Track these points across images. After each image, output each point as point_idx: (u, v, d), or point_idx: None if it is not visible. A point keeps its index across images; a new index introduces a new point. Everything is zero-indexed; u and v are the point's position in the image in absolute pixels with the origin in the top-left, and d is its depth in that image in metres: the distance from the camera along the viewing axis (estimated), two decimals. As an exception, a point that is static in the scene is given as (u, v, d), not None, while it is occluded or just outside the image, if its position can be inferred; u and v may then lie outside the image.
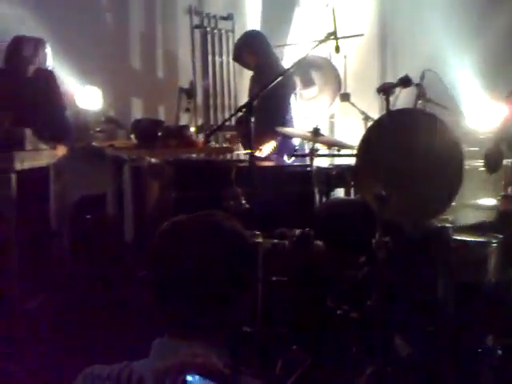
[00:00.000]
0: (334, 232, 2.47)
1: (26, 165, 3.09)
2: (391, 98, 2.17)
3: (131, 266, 3.56)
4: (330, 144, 3.30)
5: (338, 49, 2.66)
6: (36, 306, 3.03)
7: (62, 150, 3.58)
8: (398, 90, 2.27)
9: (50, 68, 3.76)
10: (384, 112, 2.31)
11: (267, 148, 3.65)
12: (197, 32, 4.73)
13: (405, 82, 2.20)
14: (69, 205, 3.90)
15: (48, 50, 3.74)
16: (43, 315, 2.93)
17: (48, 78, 3.71)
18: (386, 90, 2.13)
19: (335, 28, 2.67)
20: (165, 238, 1.09)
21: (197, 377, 0.90)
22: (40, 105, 3.61)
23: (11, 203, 3.02)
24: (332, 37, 2.80)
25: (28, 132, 3.15)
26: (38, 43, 3.68)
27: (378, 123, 2.40)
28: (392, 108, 2.39)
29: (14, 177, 3.02)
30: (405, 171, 2.23)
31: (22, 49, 3.61)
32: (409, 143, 2.25)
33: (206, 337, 1.05)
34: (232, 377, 0.96)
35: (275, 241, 2.42)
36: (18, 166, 3.01)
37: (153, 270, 1.09)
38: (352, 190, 3.26)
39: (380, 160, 2.22)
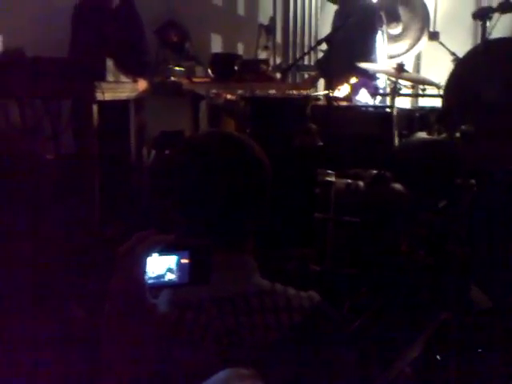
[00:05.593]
0: (413, 174, 2.33)
1: (108, 96, 3.08)
2: (488, 26, 1.96)
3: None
4: (415, 81, 3.10)
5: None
6: (113, 233, 3.15)
7: (142, 84, 3.60)
8: (495, 18, 2.05)
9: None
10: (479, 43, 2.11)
11: (347, 87, 3.50)
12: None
13: (505, 7, 1.98)
14: (148, 139, 3.97)
15: None
16: (120, 242, 3.04)
17: (129, 10, 3.71)
18: (482, 15, 1.93)
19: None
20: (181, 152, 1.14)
21: None
22: (122, 38, 3.63)
23: (93, 133, 3.08)
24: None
25: (109, 63, 3.16)
26: None
27: (473, 54, 2.19)
28: (489, 37, 2.17)
29: (95, 107, 3.07)
30: (500, 108, 2.04)
31: None
32: (508, 76, 2.04)
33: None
34: None
35: (349, 180, 2.33)
36: (100, 97, 3.03)
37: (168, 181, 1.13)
38: (436, 135, 3.07)
39: (472, 95, 2.04)
